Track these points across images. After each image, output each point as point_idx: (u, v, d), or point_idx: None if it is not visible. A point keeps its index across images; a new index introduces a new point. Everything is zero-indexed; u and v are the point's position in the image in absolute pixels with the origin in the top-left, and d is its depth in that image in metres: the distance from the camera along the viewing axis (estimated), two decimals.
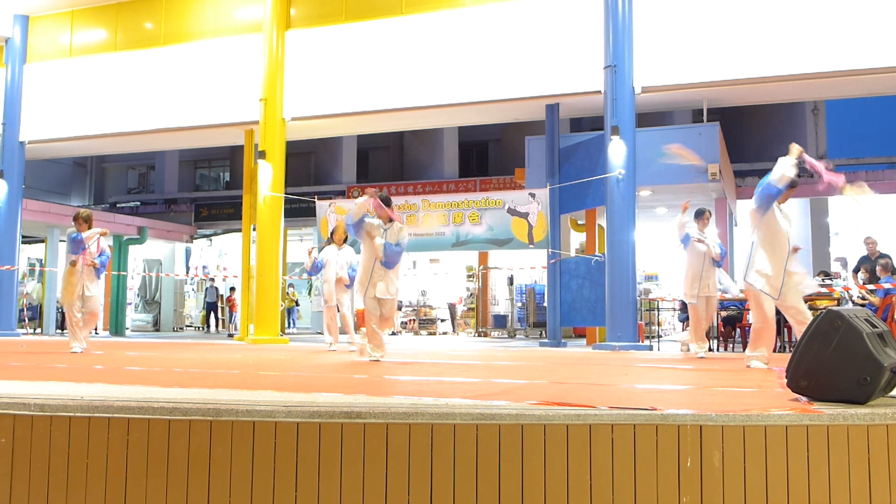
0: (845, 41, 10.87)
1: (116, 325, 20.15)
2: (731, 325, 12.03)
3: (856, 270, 11.47)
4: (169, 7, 15.21)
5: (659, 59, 11.65)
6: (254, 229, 14.05)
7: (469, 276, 21.82)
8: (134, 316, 23.48)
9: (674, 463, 3.11)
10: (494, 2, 12.74)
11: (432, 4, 13.19)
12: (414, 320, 21.01)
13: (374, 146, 26.99)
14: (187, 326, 24.81)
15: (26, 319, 18.20)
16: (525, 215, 12.45)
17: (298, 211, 19.72)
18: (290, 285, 22.03)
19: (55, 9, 16.01)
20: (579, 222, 15.58)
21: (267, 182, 13.41)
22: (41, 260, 20.43)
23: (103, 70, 15.54)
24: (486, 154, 27.27)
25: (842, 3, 10.97)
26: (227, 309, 22.03)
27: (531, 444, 3.17)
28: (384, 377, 5.59)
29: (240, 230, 16.32)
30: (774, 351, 8.09)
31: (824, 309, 4.05)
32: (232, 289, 21.37)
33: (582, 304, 12.27)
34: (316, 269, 10.00)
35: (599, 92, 11.86)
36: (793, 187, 6.51)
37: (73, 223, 9.02)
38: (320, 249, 10.21)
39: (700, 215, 8.75)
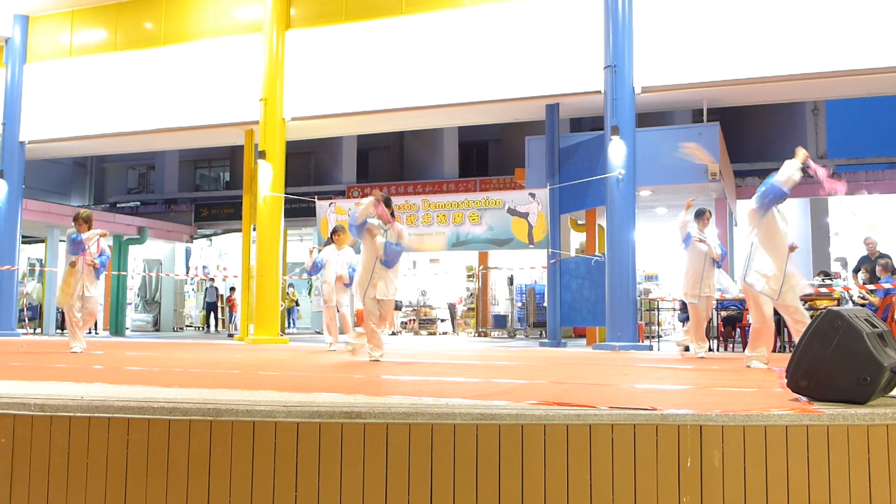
0: (845, 41, 10.87)
1: (116, 325, 20.14)
2: (731, 325, 12.02)
3: (856, 270, 11.47)
4: (169, 7, 15.21)
5: (659, 59, 11.65)
6: (254, 229, 14.05)
7: (469, 276, 21.82)
8: (134, 316, 23.48)
9: (674, 463, 3.11)
10: (494, 2, 12.74)
11: (432, 4, 13.19)
12: (414, 320, 21.00)
13: (374, 146, 26.97)
14: (187, 326, 24.80)
15: (26, 319, 18.19)
16: (525, 215, 12.44)
17: (298, 211, 19.71)
18: (290, 285, 22.02)
19: (55, 9, 16.01)
20: (579, 222, 15.58)
21: (267, 182, 13.41)
22: (41, 260, 20.42)
23: (103, 70, 15.54)
24: (486, 154, 27.24)
25: (842, 3, 10.97)
26: (227, 309, 22.02)
27: (531, 444, 3.17)
28: (384, 377, 5.59)
29: (240, 230, 16.32)
30: (774, 351, 8.10)
31: (824, 309, 4.05)
32: (232, 289, 21.36)
33: (582, 304, 12.27)
34: (316, 269, 10.06)
35: (599, 92, 11.86)
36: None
37: (72, 223, 9.01)
38: (321, 250, 10.25)
39: (700, 215, 8.74)
